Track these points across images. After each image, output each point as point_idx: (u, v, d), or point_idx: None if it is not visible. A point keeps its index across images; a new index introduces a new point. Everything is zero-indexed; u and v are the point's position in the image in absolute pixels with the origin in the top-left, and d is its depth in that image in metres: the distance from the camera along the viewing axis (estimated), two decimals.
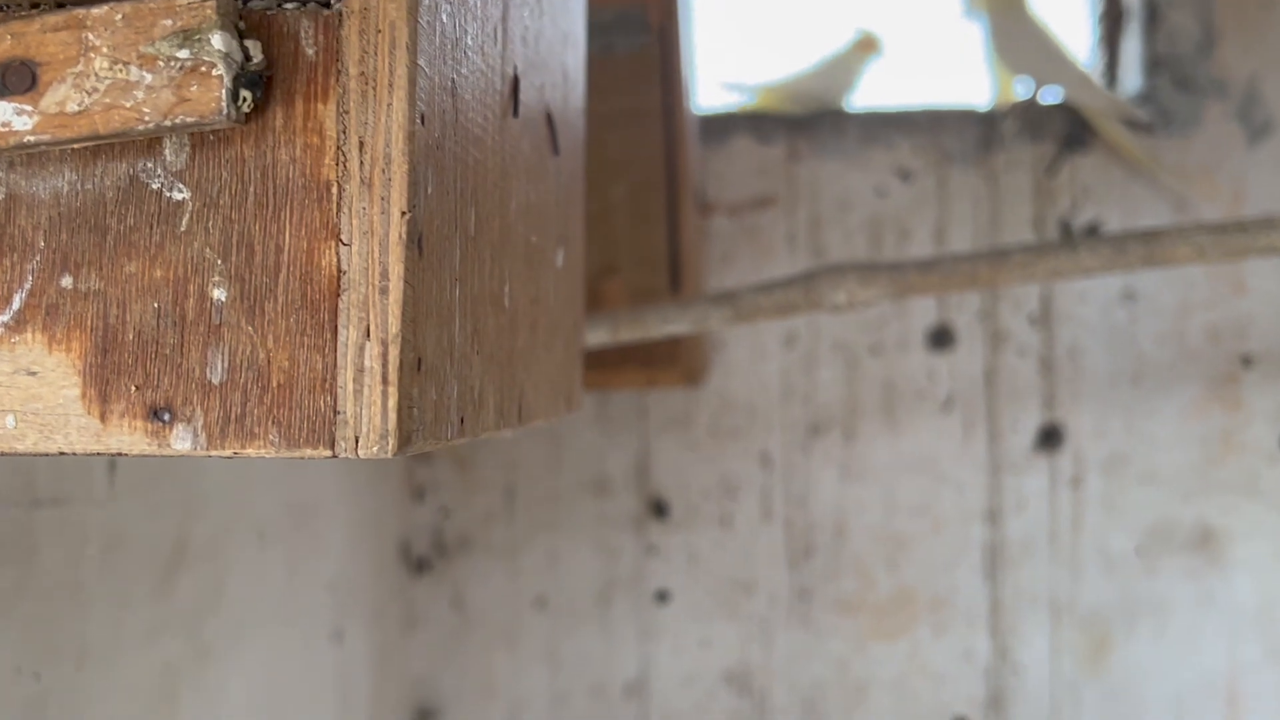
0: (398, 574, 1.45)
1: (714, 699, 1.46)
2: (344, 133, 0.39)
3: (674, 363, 1.25)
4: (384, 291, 0.39)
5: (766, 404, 1.45)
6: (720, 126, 1.45)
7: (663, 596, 1.46)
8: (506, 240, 0.52)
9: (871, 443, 1.44)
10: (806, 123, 1.45)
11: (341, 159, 0.39)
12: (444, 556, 1.48)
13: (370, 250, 0.39)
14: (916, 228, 1.43)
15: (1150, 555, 1.41)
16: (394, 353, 0.39)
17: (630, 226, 1.23)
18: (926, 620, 1.43)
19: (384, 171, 0.39)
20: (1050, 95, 1.41)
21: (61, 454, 0.39)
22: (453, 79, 0.43)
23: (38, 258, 0.40)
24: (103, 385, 0.40)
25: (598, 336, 1.02)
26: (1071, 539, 1.42)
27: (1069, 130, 1.41)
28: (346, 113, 0.39)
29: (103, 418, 0.39)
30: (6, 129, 0.37)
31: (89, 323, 0.40)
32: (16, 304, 0.39)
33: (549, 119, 0.60)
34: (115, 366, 0.39)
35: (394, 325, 0.39)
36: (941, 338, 1.43)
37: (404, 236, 0.39)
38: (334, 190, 0.39)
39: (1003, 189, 1.42)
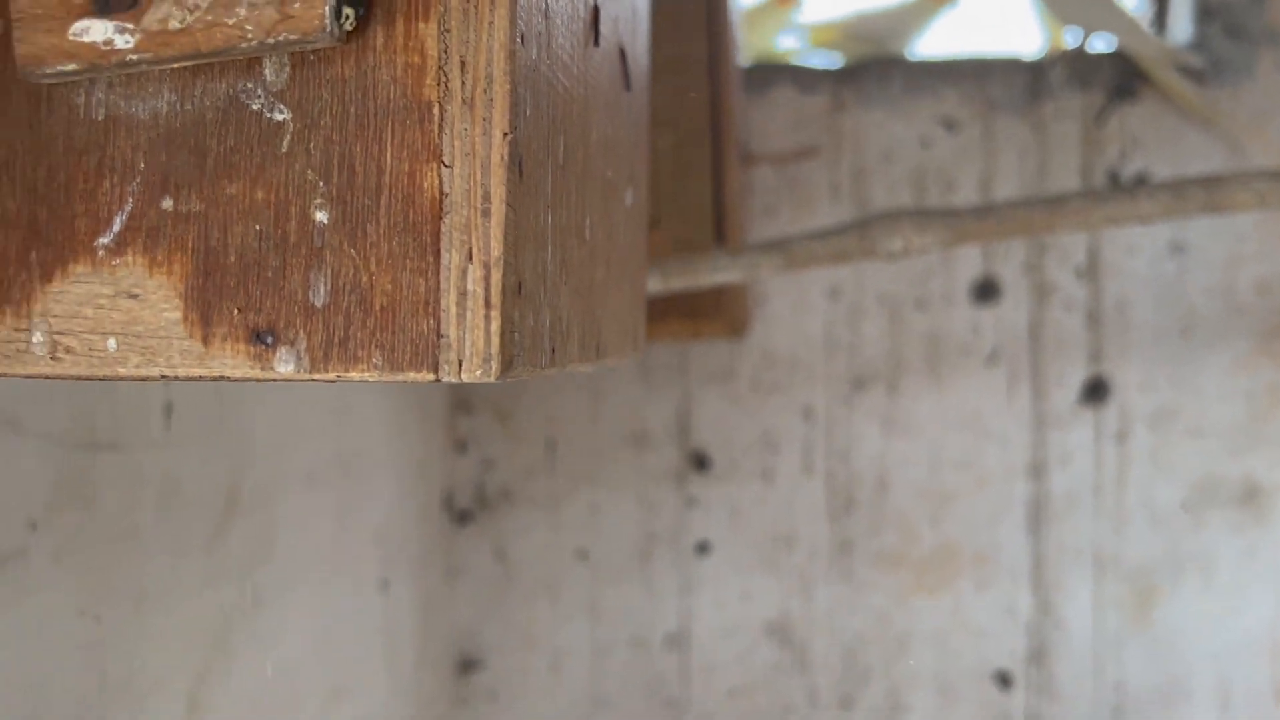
0: (441, 525, 1.45)
1: (754, 651, 1.46)
2: (445, 52, 0.38)
3: (718, 314, 1.24)
4: (486, 214, 0.38)
5: (809, 357, 1.44)
6: (762, 76, 1.44)
7: (704, 549, 1.46)
8: (588, 173, 0.51)
9: (915, 397, 1.43)
10: (850, 72, 1.43)
11: (443, 79, 0.38)
12: (486, 508, 1.48)
13: (472, 172, 0.38)
14: (962, 178, 1.42)
15: (1196, 510, 1.40)
16: (496, 276, 0.38)
17: (674, 179, 1.22)
18: (969, 575, 1.43)
19: (485, 92, 0.38)
20: (1099, 43, 1.39)
21: (164, 378, 0.39)
22: (546, 1, 0.43)
23: (138, 179, 0.39)
24: (204, 308, 0.39)
25: (648, 284, 1.01)
26: (1116, 494, 1.41)
27: (1118, 79, 1.39)
28: (448, 31, 0.38)
29: (205, 341, 0.39)
30: (109, 47, 0.37)
31: (190, 245, 0.39)
32: (117, 226, 0.39)
33: (622, 53, 0.59)
34: (217, 289, 0.39)
35: (496, 248, 0.38)
36: (987, 291, 1.42)
37: (505, 159, 0.38)
38: (435, 111, 0.38)
39: (1050, 139, 1.40)
